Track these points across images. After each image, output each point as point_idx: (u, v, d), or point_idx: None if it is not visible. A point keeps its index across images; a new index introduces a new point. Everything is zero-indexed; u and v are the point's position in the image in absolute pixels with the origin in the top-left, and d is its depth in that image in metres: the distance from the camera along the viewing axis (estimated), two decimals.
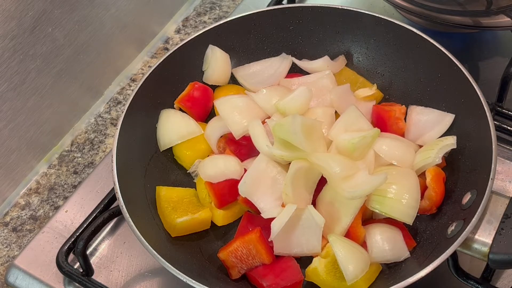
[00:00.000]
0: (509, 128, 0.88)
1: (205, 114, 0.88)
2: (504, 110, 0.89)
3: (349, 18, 0.87)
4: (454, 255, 0.74)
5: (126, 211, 0.72)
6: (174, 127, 0.83)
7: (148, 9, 1.06)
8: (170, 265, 0.68)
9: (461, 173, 0.77)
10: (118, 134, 0.78)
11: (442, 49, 0.81)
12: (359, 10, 0.86)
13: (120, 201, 0.73)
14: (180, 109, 0.86)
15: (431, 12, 0.89)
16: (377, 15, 0.86)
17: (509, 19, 0.93)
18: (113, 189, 0.85)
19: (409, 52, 0.85)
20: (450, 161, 0.79)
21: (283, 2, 1.01)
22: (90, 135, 1.00)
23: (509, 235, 0.67)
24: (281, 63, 0.89)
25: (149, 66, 1.06)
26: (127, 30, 1.03)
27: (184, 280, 0.67)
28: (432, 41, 0.82)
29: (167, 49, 1.08)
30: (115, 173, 0.75)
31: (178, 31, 1.10)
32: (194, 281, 0.67)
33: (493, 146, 0.72)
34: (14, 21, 0.83)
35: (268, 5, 0.99)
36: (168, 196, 0.78)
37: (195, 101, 0.86)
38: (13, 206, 0.93)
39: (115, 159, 0.76)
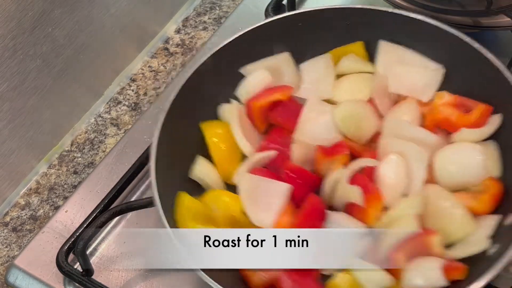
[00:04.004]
0: None
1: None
2: None
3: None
4: None
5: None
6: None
7: (148, 9, 1.06)
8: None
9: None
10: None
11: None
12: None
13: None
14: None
15: (431, 12, 0.89)
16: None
17: (509, 19, 0.93)
18: (113, 189, 0.86)
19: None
20: None
21: (283, 2, 1.00)
22: (90, 135, 1.00)
23: None
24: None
25: (149, 66, 1.06)
26: (127, 30, 1.03)
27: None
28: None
29: (167, 49, 1.08)
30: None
31: (178, 31, 1.10)
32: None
33: None
34: (14, 21, 0.83)
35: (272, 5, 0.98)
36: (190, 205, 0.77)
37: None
38: (13, 206, 0.93)
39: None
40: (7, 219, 0.92)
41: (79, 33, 0.95)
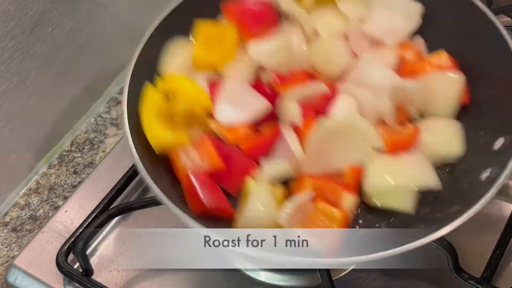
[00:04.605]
0: None
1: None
2: None
3: None
4: (454, 255, 0.74)
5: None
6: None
7: (148, 10, 1.06)
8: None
9: (489, 116, 0.74)
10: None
11: None
12: None
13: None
14: None
15: None
16: None
17: (509, 19, 0.93)
18: (112, 189, 0.86)
19: None
20: (475, 102, 0.77)
21: None
22: (90, 135, 1.00)
23: None
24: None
25: None
26: (127, 30, 1.03)
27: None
28: None
29: None
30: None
31: None
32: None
33: None
34: (14, 21, 0.83)
35: None
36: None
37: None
38: (13, 206, 0.93)
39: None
40: (7, 219, 0.92)
41: (79, 33, 0.94)
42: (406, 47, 0.81)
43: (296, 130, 0.74)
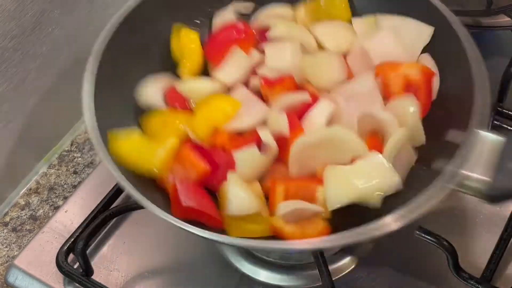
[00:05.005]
0: (509, 128, 0.88)
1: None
2: (504, 110, 0.89)
3: None
4: (454, 255, 0.74)
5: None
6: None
7: None
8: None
9: (445, 108, 0.74)
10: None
11: None
12: None
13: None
14: None
15: None
16: None
17: (509, 19, 0.93)
18: (112, 189, 0.86)
19: None
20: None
21: None
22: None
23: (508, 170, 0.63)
24: None
25: None
26: None
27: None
28: None
29: None
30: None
31: None
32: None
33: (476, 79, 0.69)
34: (14, 21, 0.83)
35: None
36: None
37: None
38: (13, 206, 0.93)
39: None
40: (7, 219, 0.92)
41: (79, 33, 0.95)
42: (411, 67, 0.80)
43: (281, 139, 0.74)
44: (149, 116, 0.77)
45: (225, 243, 0.70)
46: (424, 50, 0.79)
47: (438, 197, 0.63)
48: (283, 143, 0.73)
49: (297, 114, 0.75)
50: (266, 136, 0.73)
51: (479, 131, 0.65)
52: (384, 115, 0.73)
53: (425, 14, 0.78)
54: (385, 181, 0.68)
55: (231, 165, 0.72)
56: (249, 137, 0.75)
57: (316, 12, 0.85)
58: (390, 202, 0.67)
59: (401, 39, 0.80)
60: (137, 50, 0.80)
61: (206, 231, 0.63)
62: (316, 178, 0.71)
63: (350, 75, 0.80)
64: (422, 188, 0.64)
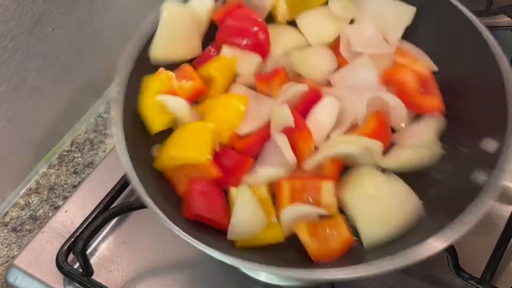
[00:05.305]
0: None
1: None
2: None
3: None
4: (454, 255, 0.74)
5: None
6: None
7: (148, 9, 1.06)
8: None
9: (475, 117, 0.74)
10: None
11: None
12: None
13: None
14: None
15: None
16: None
17: (509, 19, 0.93)
18: (112, 189, 0.86)
19: None
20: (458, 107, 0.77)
21: None
22: (90, 135, 1.00)
23: None
24: None
25: None
26: (127, 30, 1.03)
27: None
28: None
29: None
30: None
31: None
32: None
33: (508, 90, 0.69)
34: (14, 21, 0.83)
35: None
36: None
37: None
38: (13, 206, 0.93)
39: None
40: (7, 219, 0.92)
41: (79, 33, 0.95)
42: (402, 54, 0.81)
43: (288, 133, 0.74)
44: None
45: (241, 265, 0.68)
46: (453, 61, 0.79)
47: (482, 212, 0.62)
48: (288, 136, 0.74)
49: (300, 111, 0.75)
50: (286, 149, 0.73)
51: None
52: (391, 98, 0.74)
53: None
54: (409, 213, 0.69)
55: (242, 165, 0.73)
56: (258, 136, 0.75)
57: (294, 3, 0.85)
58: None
59: (383, 23, 0.82)
60: None
61: (215, 251, 0.63)
62: (321, 175, 0.72)
63: (343, 62, 0.81)
64: (463, 204, 0.64)
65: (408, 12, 0.82)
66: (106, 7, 0.97)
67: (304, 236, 0.68)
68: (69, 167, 0.97)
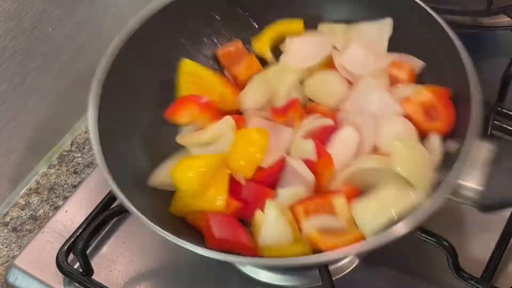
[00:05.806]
0: (509, 128, 0.88)
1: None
2: (504, 110, 0.89)
3: None
4: (454, 255, 0.74)
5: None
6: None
7: None
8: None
9: None
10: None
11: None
12: None
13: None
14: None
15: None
16: None
17: (509, 19, 0.93)
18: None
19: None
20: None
21: None
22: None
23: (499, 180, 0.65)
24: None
25: None
26: None
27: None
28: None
29: None
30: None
31: None
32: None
33: (472, 92, 0.70)
34: (14, 21, 0.83)
35: None
36: None
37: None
38: (13, 206, 0.93)
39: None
40: (7, 219, 0.92)
41: (79, 33, 0.95)
42: (399, 66, 0.81)
43: (308, 162, 0.74)
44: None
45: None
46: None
47: (437, 205, 0.64)
48: (308, 165, 0.74)
49: (319, 138, 0.75)
50: (303, 169, 0.73)
51: (473, 140, 0.66)
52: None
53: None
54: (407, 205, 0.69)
55: (261, 196, 0.73)
56: (275, 165, 0.75)
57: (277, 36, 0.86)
58: None
59: (370, 43, 0.83)
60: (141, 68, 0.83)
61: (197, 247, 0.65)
62: (329, 192, 0.72)
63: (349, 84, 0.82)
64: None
65: (386, 23, 0.83)
66: (106, 7, 0.97)
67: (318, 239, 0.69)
68: (69, 167, 0.97)
